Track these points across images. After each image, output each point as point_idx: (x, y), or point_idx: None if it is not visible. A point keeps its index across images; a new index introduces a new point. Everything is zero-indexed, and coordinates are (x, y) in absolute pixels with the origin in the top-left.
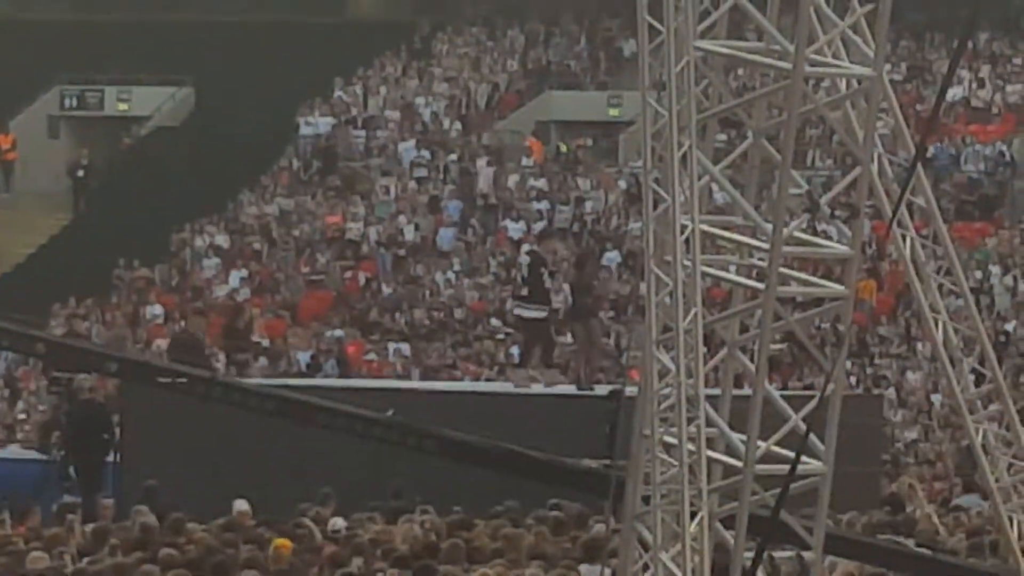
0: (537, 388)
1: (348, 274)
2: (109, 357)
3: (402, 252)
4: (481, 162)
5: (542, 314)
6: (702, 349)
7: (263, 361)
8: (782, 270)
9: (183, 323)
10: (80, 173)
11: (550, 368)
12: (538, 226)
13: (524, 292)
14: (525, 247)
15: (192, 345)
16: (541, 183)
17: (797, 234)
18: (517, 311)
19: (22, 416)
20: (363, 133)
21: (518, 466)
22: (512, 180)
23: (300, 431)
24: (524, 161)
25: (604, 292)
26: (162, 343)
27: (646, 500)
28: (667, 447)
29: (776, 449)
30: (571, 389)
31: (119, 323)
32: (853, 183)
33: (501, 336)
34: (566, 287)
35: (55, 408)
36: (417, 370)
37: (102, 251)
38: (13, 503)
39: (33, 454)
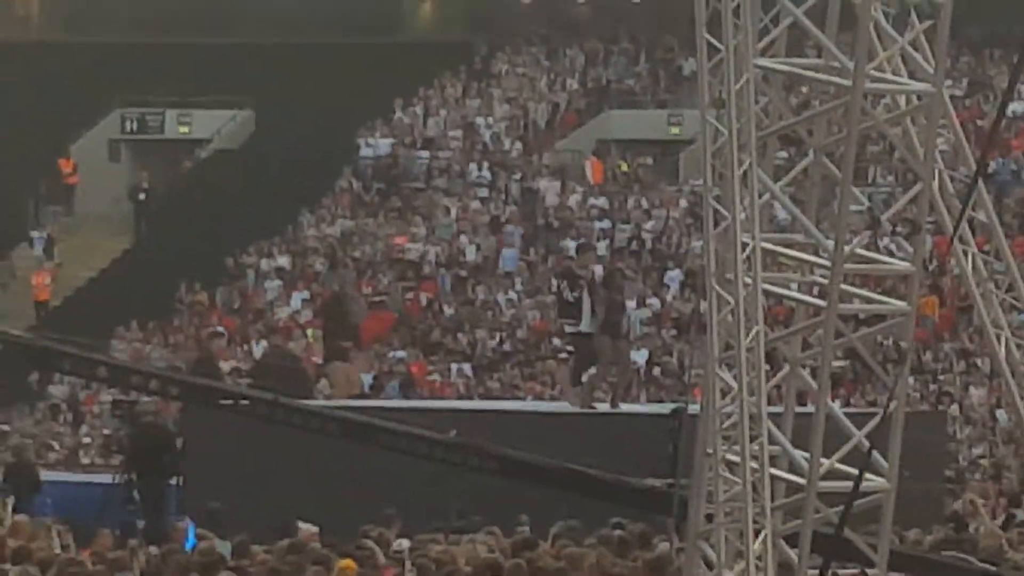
0: (601, 407)
1: (410, 295)
2: (171, 380)
3: (463, 273)
4: (542, 181)
5: (577, 328)
6: (764, 367)
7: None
8: (844, 287)
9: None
10: (141, 196)
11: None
12: (600, 245)
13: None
14: None
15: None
16: (602, 202)
17: (858, 251)
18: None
19: (86, 440)
20: (424, 154)
21: (581, 485)
22: (573, 199)
23: (362, 452)
24: (585, 180)
25: (667, 310)
26: (225, 365)
27: (709, 518)
28: (730, 465)
29: (839, 466)
30: (636, 408)
31: (188, 345)
32: (914, 199)
33: (563, 355)
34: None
35: (118, 431)
36: (479, 390)
37: (164, 274)
38: (78, 526)
39: (97, 477)
